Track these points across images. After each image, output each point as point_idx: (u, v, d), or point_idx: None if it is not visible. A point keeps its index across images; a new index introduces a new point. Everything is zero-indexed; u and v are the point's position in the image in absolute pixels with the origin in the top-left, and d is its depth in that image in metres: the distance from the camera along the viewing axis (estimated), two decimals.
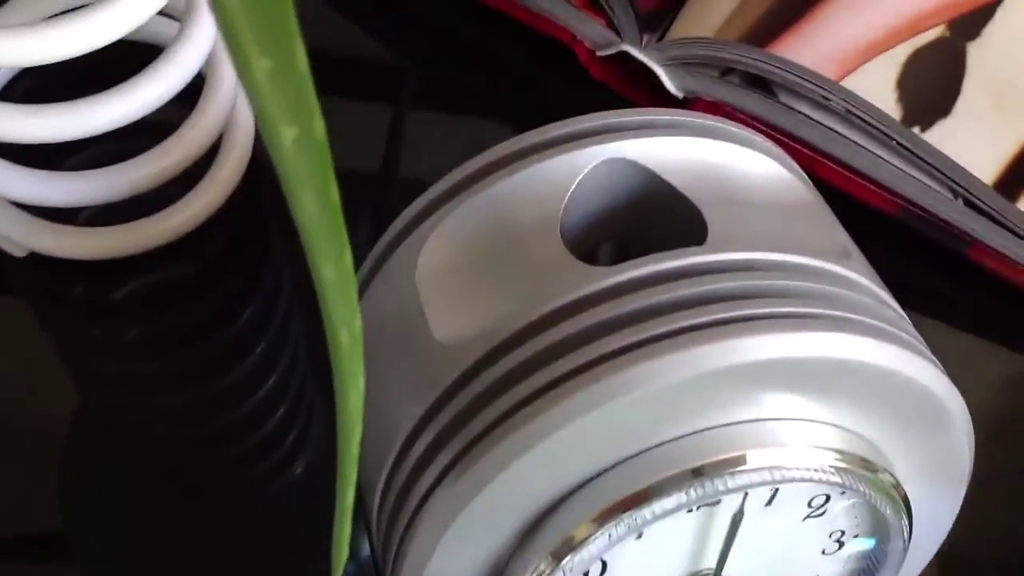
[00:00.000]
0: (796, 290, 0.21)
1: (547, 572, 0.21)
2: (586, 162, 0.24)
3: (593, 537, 0.20)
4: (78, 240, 0.33)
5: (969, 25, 0.34)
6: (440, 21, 0.39)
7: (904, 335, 0.22)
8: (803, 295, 0.21)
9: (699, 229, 0.23)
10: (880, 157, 0.33)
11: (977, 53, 0.34)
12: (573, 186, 0.23)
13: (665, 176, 0.24)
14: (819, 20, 0.33)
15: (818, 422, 0.21)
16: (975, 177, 0.32)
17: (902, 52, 0.33)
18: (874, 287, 0.23)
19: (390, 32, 0.40)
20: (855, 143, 0.33)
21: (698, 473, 0.20)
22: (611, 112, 0.25)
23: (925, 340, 0.23)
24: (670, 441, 0.20)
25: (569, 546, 0.21)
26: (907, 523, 0.23)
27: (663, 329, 0.20)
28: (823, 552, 0.24)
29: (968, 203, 0.33)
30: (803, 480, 0.21)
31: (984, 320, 0.36)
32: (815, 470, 0.21)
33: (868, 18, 0.33)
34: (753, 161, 0.25)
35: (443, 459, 0.21)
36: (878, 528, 0.23)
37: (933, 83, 0.33)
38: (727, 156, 0.24)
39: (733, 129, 0.25)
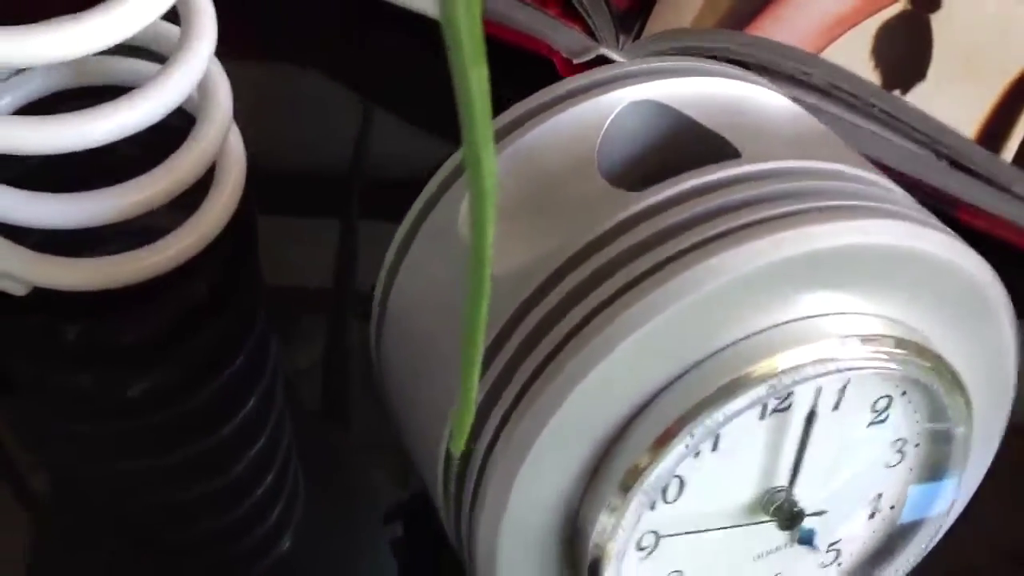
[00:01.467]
0: (844, 190, 0.22)
1: (631, 484, 0.21)
2: (613, 105, 0.24)
3: (674, 445, 0.20)
4: (78, 271, 0.33)
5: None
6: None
7: (948, 230, 0.22)
8: (852, 194, 0.22)
9: (731, 155, 0.23)
10: (861, 127, 0.34)
11: (940, 23, 0.35)
12: (605, 126, 0.24)
13: (690, 113, 0.24)
14: (790, 1, 0.34)
15: (877, 316, 0.21)
16: (957, 134, 0.33)
17: (872, 25, 0.34)
18: (905, 193, 0.23)
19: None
20: (836, 116, 0.34)
21: (768, 370, 0.20)
22: (630, 62, 0.25)
23: None
24: (738, 342, 0.21)
25: (649, 459, 0.21)
26: (968, 411, 0.23)
27: (728, 226, 0.20)
28: (886, 465, 0.24)
29: (953, 163, 0.34)
30: (867, 369, 0.21)
31: None
32: (879, 358, 0.21)
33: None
34: (767, 96, 0.25)
35: (511, 391, 0.21)
36: (939, 431, 0.23)
37: (906, 52, 0.34)
38: (744, 91, 0.25)
39: (741, 72, 0.26)
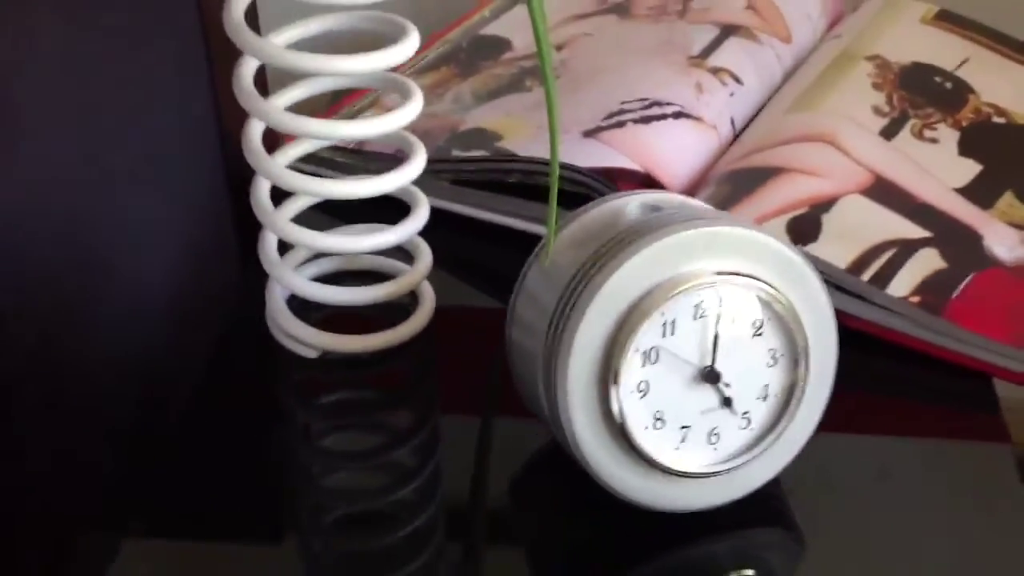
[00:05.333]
0: (716, 215, 0.46)
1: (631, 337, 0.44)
2: (629, 202, 0.49)
3: (654, 322, 0.44)
4: (352, 341, 0.56)
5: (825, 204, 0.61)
6: None
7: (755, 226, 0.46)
8: (719, 217, 0.46)
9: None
10: None
11: (825, 221, 0.60)
12: (625, 209, 0.49)
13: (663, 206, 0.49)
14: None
15: (745, 272, 0.45)
16: (838, 267, 0.57)
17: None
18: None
19: None
20: None
21: (695, 283, 0.44)
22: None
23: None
24: (678, 274, 0.44)
25: (641, 330, 0.44)
26: (806, 343, 0.46)
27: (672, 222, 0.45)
28: (767, 365, 0.46)
29: (836, 287, 0.57)
30: (739, 286, 0.44)
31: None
32: (747, 285, 0.44)
33: (776, 200, 0.60)
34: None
35: (573, 295, 0.45)
36: (792, 346, 0.46)
37: (807, 235, 0.59)
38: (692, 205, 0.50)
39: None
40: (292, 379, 0.58)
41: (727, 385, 0.46)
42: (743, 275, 0.45)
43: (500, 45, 0.78)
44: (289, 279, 0.56)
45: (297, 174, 0.53)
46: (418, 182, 0.56)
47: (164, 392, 0.57)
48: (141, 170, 0.65)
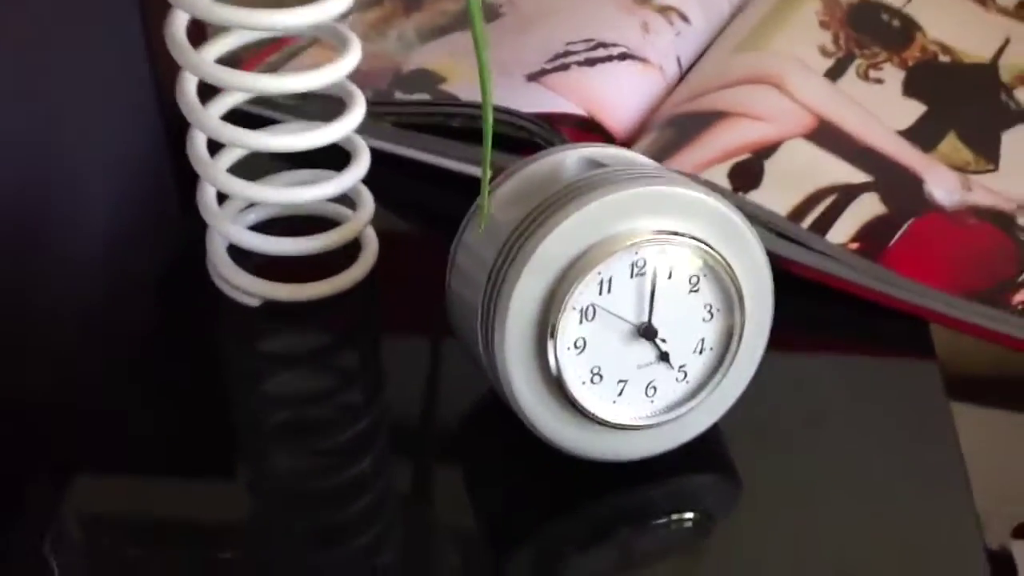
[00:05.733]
0: (659, 173, 0.46)
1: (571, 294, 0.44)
2: (569, 155, 0.49)
3: (589, 281, 0.44)
4: (294, 289, 0.56)
5: (768, 150, 0.61)
6: None
7: (694, 183, 0.46)
8: (663, 175, 0.46)
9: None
10: None
11: (768, 167, 0.60)
12: (564, 162, 0.48)
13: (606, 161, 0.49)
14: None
15: (684, 232, 0.45)
16: (782, 216, 0.57)
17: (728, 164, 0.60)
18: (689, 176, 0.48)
19: None
20: None
21: (632, 241, 0.44)
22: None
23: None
24: (618, 233, 0.44)
25: (577, 289, 0.44)
26: (741, 297, 0.46)
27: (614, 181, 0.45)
28: (703, 320, 0.47)
29: (779, 234, 0.58)
30: (676, 245, 0.44)
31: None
32: (682, 243, 0.45)
33: (718, 146, 0.60)
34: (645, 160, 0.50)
35: (510, 254, 0.45)
36: (728, 301, 0.46)
37: (749, 181, 0.59)
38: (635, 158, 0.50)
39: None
40: (233, 327, 0.58)
41: (663, 340, 0.46)
42: (680, 234, 0.45)
43: None
44: (227, 229, 0.55)
45: (231, 127, 0.52)
46: (360, 127, 0.56)
47: (106, 341, 0.57)
48: (79, 120, 0.64)
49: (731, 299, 0.47)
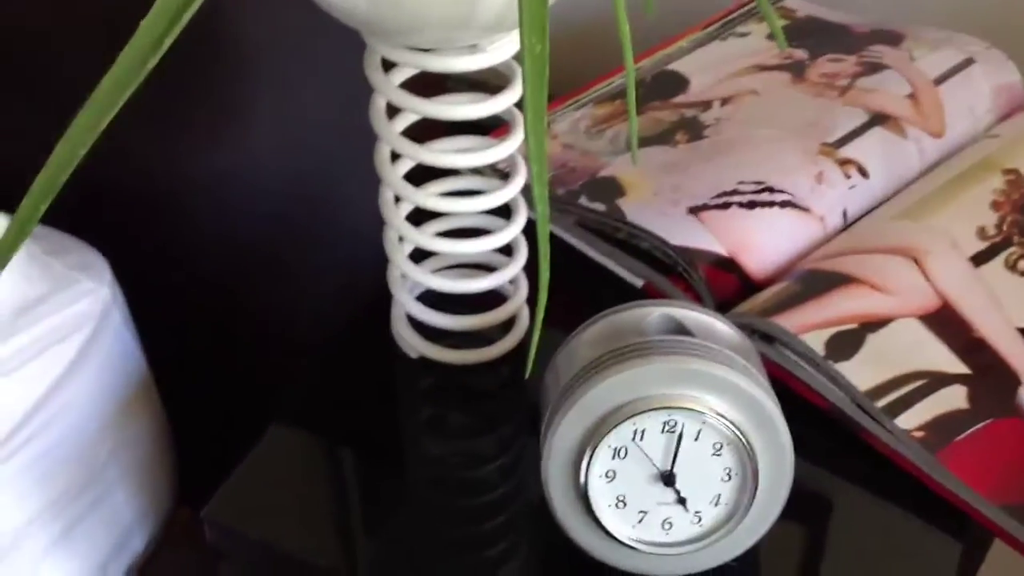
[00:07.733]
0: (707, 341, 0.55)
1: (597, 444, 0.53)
2: (650, 312, 0.58)
3: (624, 429, 0.53)
4: (458, 355, 0.69)
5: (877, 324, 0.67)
6: None
7: (742, 370, 0.54)
8: (705, 350, 0.55)
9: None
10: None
11: (870, 339, 0.66)
12: (646, 319, 0.58)
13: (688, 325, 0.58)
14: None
15: (716, 409, 0.54)
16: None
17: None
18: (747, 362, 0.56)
19: None
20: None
21: (666, 403, 0.53)
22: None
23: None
24: (650, 395, 0.53)
25: (611, 435, 0.53)
26: (753, 470, 0.54)
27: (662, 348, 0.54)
28: (721, 480, 0.55)
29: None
30: (707, 422, 0.53)
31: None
32: (713, 419, 0.53)
33: (831, 311, 0.67)
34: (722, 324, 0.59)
35: (563, 403, 0.55)
36: (745, 472, 0.55)
37: (846, 351, 0.66)
38: (711, 321, 0.59)
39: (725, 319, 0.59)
40: (393, 370, 0.71)
41: (682, 488, 0.55)
42: (714, 412, 0.53)
43: (678, 84, 0.86)
44: (404, 298, 0.68)
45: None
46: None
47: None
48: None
49: (748, 472, 0.55)
